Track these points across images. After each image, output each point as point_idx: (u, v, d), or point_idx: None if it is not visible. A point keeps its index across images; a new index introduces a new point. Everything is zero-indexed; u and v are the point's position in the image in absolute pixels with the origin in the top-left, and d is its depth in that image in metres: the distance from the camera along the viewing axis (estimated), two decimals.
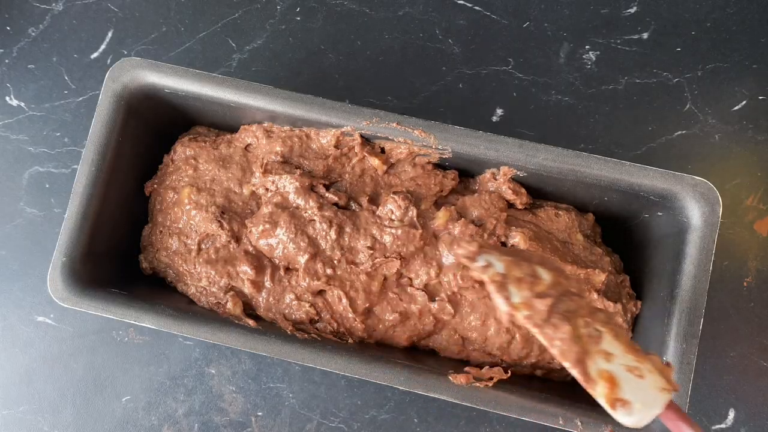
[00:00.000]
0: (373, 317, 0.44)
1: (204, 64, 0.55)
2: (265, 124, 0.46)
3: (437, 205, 0.45)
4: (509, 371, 0.42)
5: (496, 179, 0.45)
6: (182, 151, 0.47)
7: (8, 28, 0.56)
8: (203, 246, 0.45)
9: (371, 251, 0.43)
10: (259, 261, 0.44)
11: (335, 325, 0.44)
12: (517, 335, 0.43)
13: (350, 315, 0.43)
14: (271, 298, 0.44)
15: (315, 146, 0.45)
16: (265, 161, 0.45)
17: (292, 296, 0.44)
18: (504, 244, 0.44)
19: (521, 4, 0.55)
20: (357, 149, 0.44)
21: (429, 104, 0.54)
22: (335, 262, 0.43)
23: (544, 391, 0.41)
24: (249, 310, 0.44)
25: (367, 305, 0.43)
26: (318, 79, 0.55)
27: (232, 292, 0.44)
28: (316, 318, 0.44)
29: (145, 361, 0.51)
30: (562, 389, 0.43)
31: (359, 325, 0.43)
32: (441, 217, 0.44)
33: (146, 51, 0.55)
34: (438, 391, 0.39)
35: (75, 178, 0.41)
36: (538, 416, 0.38)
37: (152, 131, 0.46)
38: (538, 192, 0.46)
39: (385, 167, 0.45)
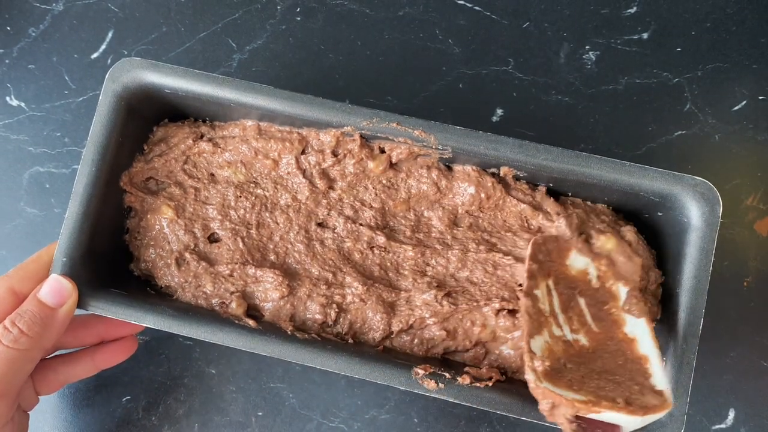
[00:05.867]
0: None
1: (204, 64, 0.55)
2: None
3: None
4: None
5: None
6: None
7: (8, 28, 0.56)
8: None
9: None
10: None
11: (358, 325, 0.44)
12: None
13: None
14: (288, 305, 0.44)
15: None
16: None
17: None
18: None
19: (521, 4, 0.55)
20: (356, 150, 0.44)
21: (429, 104, 0.54)
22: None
23: None
24: (252, 311, 0.44)
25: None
26: (318, 79, 0.55)
27: (238, 293, 0.44)
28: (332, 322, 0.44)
29: (145, 361, 0.51)
30: None
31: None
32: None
33: (146, 51, 0.55)
34: (438, 391, 0.39)
35: (75, 178, 0.41)
36: (538, 416, 0.38)
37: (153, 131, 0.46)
38: None
39: (381, 169, 0.44)
